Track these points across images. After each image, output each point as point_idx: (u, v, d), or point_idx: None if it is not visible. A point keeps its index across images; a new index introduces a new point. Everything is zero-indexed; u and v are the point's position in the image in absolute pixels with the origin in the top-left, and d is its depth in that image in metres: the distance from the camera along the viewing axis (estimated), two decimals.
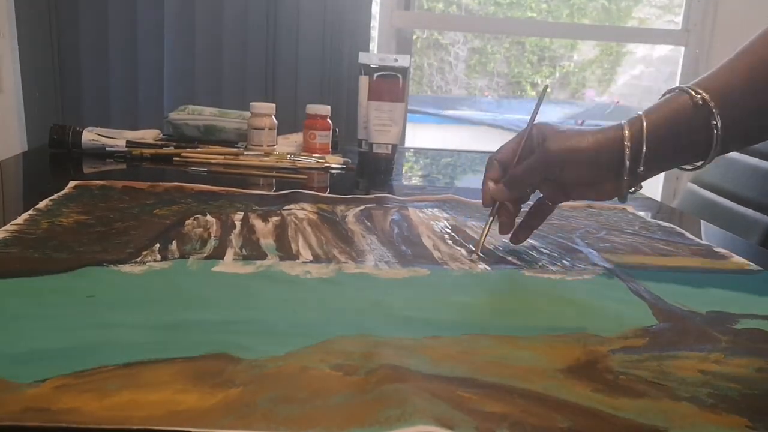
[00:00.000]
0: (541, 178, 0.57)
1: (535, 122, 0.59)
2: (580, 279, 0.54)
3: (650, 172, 0.54)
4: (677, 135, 0.53)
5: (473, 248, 0.60)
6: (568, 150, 0.54)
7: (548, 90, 0.62)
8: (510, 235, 0.61)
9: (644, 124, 0.53)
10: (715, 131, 0.51)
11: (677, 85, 0.56)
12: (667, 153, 0.54)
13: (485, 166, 0.61)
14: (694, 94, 0.52)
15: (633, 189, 0.55)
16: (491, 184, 0.59)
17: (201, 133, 1.14)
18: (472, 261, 0.57)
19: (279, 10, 1.60)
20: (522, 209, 0.62)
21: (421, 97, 4.26)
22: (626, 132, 0.53)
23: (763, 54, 0.52)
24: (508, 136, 0.61)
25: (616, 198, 0.56)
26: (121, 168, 0.94)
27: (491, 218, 0.60)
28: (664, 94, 0.55)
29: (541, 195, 0.60)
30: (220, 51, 1.60)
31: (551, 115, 4.10)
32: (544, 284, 0.52)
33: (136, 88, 1.59)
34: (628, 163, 0.53)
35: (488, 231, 0.60)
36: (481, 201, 0.61)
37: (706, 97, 0.51)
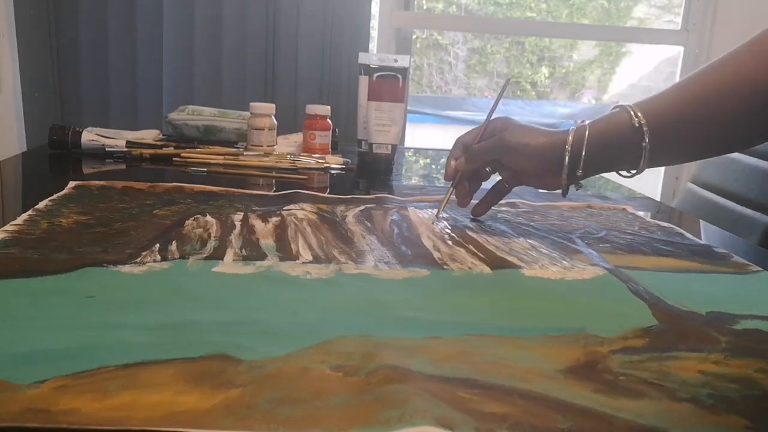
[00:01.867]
0: (493, 159, 0.68)
1: (501, 115, 0.69)
2: (580, 279, 0.54)
3: (588, 174, 0.64)
4: (612, 147, 0.62)
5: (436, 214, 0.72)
6: (520, 143, 0.65)
7: (510, 81, 0.80)
8: (469, 207, 0.73)
9: (587, 133, 0.62)
10: (644, 152, 0.61)
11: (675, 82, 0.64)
12: (602, 161, 0.63)
13: (451, 147, 0.72)
14: (633, 115, 0.60)
15: (577, 186, 0.66)
16: (453, 161, 0.71)
17: (201, 133, 1.14)
18: (433, 222, 0.69)
19: (279, 10, 1.60)
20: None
21: (421, 97, 4.26)
22: (570, 138, 0.62)
23: (696, 91, 0.60)
24: None
25: (560, 190, 0.66)
26: (120, 168, 0.94)
27: (452, 187, 0.72)
28: (612, 109, 0.64)
29: (500, 178, 0.71)
30: (220, 51, 1.60)
31: (551, 114, 4.10)
32: (544, 284, 0.52)
33: (135, 89, 1.59)
34: (566, 164, 0.63)
35: (449, 199, 0.72)
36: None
37: (643, 121, 0.60)
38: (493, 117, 0.70)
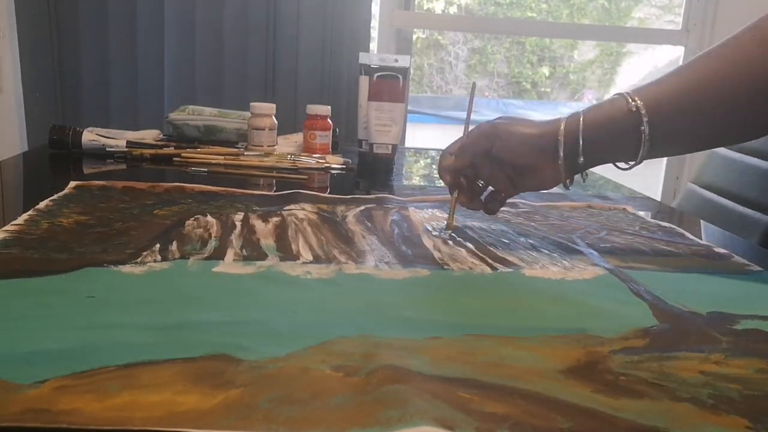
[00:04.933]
0: (484, 149, 0.63)
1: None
2: (580, 279, 0.54)
3: (590, 163, 0.61)
4: (610, 133, 0.59)
5: (444, 232, 0.67)
6: (510, 131, 0.62)
7: (476, 86, 0.73)
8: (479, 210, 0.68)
9: (581, 120, 0.60)
10: (642, 136, 0.58)
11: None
12: (600, 148, 0.60)
13: (438, 162, 0.68)
14: (630, 100, 0.58)
15: (583, 177, 0.62)
16: (445, 172, 0.67)
17: (201, 133, 1.14)
18: (444, 238, 0.64)
19: (279, 10, 1.60)
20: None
21: (421, 97, 4.26)
22: (562, 125, 0.60)
23: (695, 77, 0.58)
24: None
25: (561, 186, 0.63)
26: (121, 168, 0.94)
27: (453, 198, 0.67)
28: (608, 98, 0.61)
29: (492, 189, 0.67)
30: (221, 51, 1.60)
31: (552, 115, 4.09)
32: (544, 284, 0.52)
33: (136, 89, 1.59)
34: (562, 152, 0.60)
35: (454, 208, 0.67)
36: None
37: (640, 104, 0.58)
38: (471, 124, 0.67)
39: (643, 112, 0.57)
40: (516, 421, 0.31)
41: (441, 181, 0.68)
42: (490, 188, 0.67)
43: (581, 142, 0.59)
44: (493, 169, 0.64)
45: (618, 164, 0.62)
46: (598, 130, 0.59)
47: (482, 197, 0.68)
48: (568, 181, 0.62)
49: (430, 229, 0.67)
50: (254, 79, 1.62)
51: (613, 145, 0.60)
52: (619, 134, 0.59)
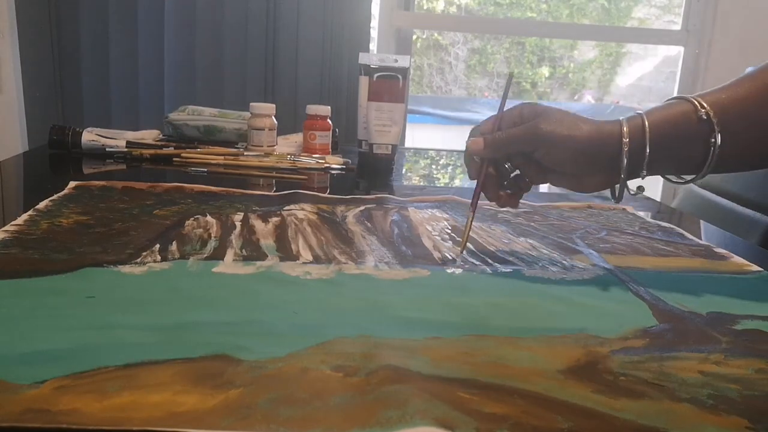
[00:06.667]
0: (522, 150, 0.55)
1: (527, 102, 0.57)
2: (580, 279, 0.54)
3: (651, 174, 0.54)
4: (676, 142, 0.52)
5: (459, 245, 0.60)
6: (560, 135, 0.53)
7: (513, 76, 0.61)
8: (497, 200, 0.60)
9: (646, 124, 0.52)
10: (712, 148, 0.52)
11: (677, 85, 0.57)
12: (663, 158, 0.53)
13: (468, 139, 0.59)
14: (699, 106, 0.52)
15: (637, 191, 0.55)
16: (474, 155, 0.58)
17: (201, 133, 1.14)
18: (456, 256, 0.58)
19: (279, 10, 1.60)
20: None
21: (421, 98, 4.26)
22: (624, 129, 0.52)
23: (755, 87, 0.52)
24: None
25: (612, 198, 0.56)
26: (121, 168, 0.94)
27: (472, 213, 0.59)
28: (668, 101, 0.55)
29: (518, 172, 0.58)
30: (220, 51, 1.60)
31: None
32: (544, 285, 0.52)
33: (136, 89, 1.59)
34: (626, 161, 0.52)
35: (471, 225, 0.59)
36: (482, 202, 0.61)
37: (711, 112, 0.51)
38: (510, 106, 0.58)
39: (714, 120, 0.51)
40: (516, 421, 0.31)
41: (459, 171, 0.61)
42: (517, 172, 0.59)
43: (647, 151, 0.52)
44: (531, 168, 0.56)
45: (670, 177, 0.56)
46: (662, 138, 0.52)
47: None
48: (622, 191, 0.55)
49: (438, 236, 0.64)
50: (254, 79, 1.62)
51: (677, 155, 0.53)
52: (685, 143, 0.52)
